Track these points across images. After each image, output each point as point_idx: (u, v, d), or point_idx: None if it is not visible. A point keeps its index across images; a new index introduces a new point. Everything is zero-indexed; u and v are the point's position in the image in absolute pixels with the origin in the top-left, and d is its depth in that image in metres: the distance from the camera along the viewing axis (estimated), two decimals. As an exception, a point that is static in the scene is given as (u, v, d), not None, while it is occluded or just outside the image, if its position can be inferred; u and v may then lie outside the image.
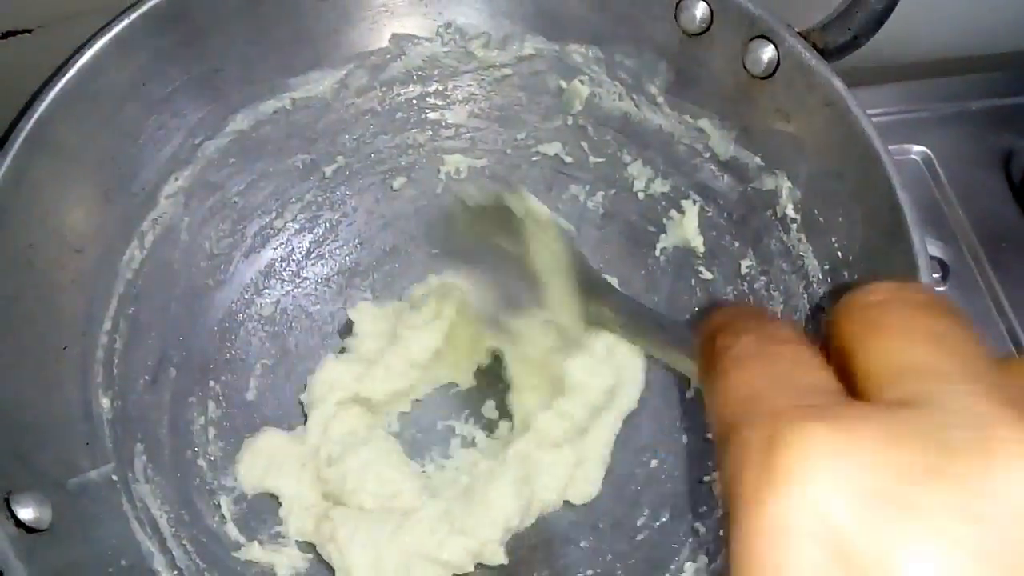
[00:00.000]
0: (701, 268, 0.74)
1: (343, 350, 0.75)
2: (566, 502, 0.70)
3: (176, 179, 0.68)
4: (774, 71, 0.63)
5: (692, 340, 0.41)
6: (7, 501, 0.49)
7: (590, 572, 0.67)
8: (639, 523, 0.68)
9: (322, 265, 0.77)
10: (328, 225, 0.78)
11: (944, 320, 0.30)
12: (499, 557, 0.66)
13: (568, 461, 0.69)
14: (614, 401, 0.71)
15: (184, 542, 0.61)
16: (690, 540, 0.65)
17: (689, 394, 0.73)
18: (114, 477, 0.59)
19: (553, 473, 0.68)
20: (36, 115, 0.58)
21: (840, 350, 0.31)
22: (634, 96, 0.73)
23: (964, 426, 0.26)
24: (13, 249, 0.57)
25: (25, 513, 0.50)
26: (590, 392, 0.70)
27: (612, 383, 0.71)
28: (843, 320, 0.31)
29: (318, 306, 0.77)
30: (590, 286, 0.65)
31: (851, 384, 0.30)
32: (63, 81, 0.59)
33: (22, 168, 0.57)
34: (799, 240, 0.66)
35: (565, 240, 0.65)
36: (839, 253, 0.63)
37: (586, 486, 0.70)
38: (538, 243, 0.65)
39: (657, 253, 0.76)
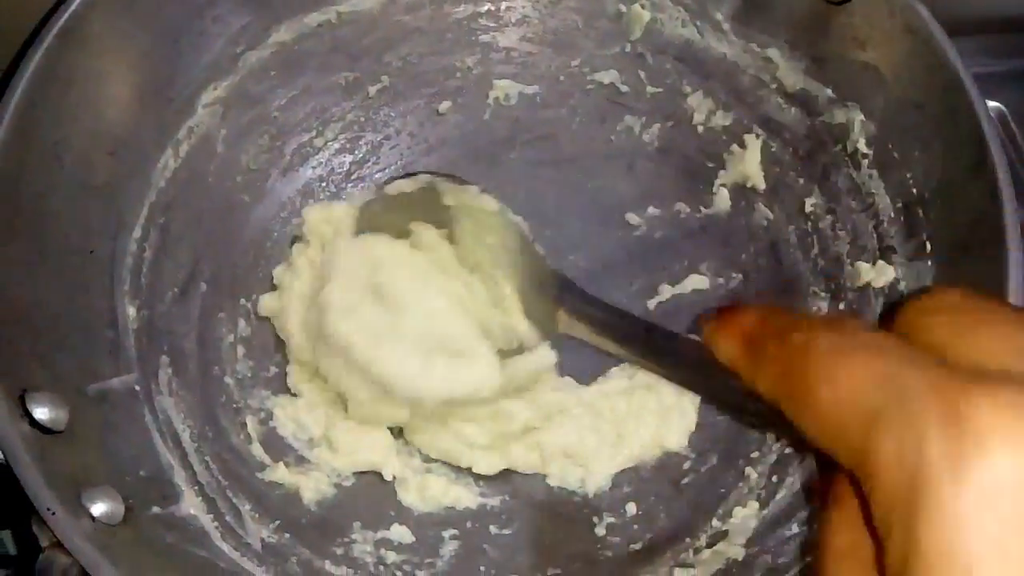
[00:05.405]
0: (761, 206, 0.70)
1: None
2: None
3: (215, 88, 0.66)
4: (851, -4, 0.60)
5: (702, 349, 0.38)
6: (22, 399, 0.47)
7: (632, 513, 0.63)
8: (685, 467, 0.65)
9: (362, 188, 0.74)
10: (370, 146, 0.74)
11: None
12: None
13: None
14: None
15: (207, 458, 0.59)
16: (740, 485, 0.62)
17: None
18: (137, 387, 0.57)
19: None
20: (71, 8, 0.56)
21: (929, 344, 0.30)
22: (698, 22, 0.70)
23: None
24: (42, 143, 0.55)
25: (40, 412, 0.48)
26: None
27: None
28: (930, 315, 0.31)
29: (356, 230, 0.73)
30: (549, 286, 0.59)
31: None
32: (100, -26, 0.57)
33: (54, 61, 0.55)
34: (870, 176, 0.63)
35: (515, 233, 0.61)
36: (914, 190, 0.60)
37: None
38: (474, 237, 0.62)
39: (715, 190, 0.72)
